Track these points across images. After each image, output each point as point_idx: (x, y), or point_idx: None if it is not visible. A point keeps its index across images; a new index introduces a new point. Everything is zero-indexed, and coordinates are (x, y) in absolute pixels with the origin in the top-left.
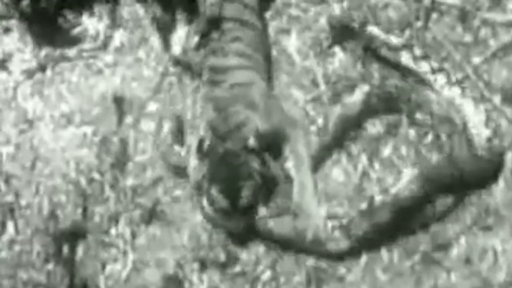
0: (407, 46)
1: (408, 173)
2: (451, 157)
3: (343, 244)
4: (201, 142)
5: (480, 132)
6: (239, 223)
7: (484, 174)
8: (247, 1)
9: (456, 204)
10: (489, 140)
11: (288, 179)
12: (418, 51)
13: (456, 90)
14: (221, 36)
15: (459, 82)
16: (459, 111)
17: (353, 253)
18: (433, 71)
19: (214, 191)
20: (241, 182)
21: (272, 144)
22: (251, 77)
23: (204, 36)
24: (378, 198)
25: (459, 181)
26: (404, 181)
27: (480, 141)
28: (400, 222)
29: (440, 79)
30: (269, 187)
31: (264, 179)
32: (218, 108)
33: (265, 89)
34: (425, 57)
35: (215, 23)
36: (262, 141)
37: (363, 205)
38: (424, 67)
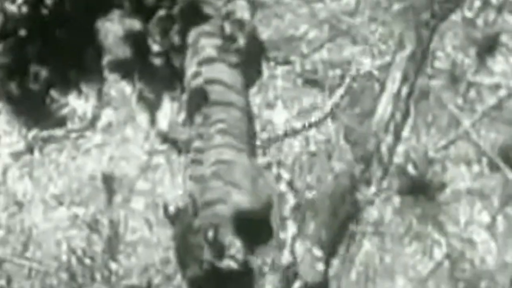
0: None
1: None
2: None
3: None
4: (165, 206)
5: None
6: None
7: None
8: (231, 82)
9: None
10: None
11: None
12: None
13: None
14: (205, 120)
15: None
16: None
17: None
18: None
19: None
20: (190, 260)
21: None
22: (234, 156)
23: (192, 110)
24: None
25: None
26: None
27: None
28: None
29: None
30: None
31: (214, 268)
32: (198, 182)
33: (249, 166)
34: None
35: (200, 95)
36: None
37: None
38: None
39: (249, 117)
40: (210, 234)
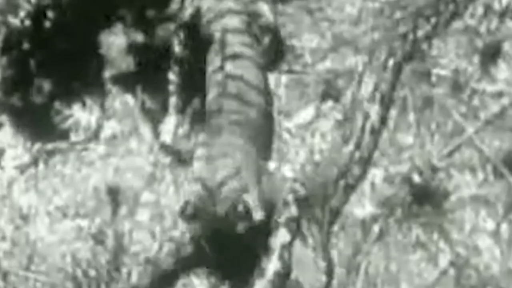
0: None
1: None
2: None
3: None
4: (185, 205)
5: None
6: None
7: None
8: (252, 80)
9: None
10: None
11: None
12: None
13: None
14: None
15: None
16: None
17: None
18: None
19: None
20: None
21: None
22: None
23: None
24: None
25: None
26: None
27: None
28: None
29: None
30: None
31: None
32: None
33: (256, 171)
34: None
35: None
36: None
37: None
38: None
39: (267, 117)
40: (240, 207)
